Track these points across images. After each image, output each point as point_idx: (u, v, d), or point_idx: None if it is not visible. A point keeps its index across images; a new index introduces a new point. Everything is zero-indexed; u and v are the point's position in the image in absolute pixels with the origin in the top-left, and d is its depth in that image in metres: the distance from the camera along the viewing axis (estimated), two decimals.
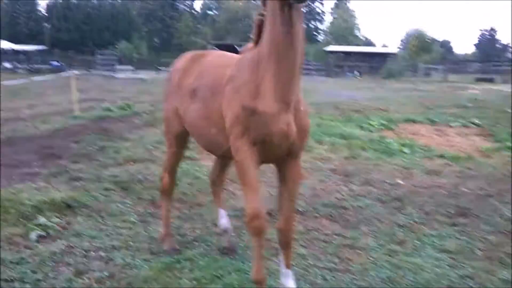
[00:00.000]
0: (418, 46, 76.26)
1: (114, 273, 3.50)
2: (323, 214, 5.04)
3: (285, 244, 3.26)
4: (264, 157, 3.03)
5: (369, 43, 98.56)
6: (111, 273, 3.51)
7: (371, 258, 3.96)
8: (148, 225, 4.48)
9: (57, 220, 4.38)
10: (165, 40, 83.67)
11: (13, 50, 52.07)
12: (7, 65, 41.32)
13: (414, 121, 12.36)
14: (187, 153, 7.43)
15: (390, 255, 4.03)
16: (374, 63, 50.44)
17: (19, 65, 42.10)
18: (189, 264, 3.68)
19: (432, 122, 12.39)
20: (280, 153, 3.04)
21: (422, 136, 10.46)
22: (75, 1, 77.12)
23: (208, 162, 7.11)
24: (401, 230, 4.68)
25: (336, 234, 4.49)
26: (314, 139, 9.16)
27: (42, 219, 4.23)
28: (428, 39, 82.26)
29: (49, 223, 4.20)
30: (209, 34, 70.67)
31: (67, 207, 4.71)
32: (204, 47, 71.02)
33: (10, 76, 28.97)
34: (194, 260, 3.73)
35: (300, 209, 5.10)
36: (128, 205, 5.01)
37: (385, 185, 6.28)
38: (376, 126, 10.86)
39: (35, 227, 4.12)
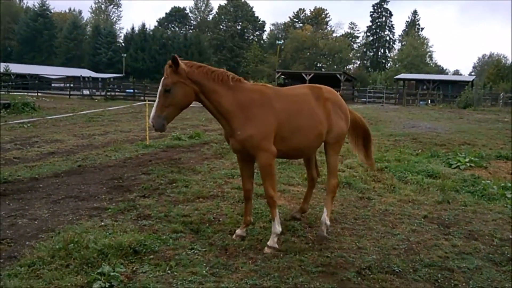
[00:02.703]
0: (496, 73, 71.74)
1: None
2: (425, 277, 4.20)
3: None
4: None
5: (440, 70, 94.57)
6: None
7: None
8: (221, 280, 3.90)
9: (123, 268, 3.94)
10: (233, 68, 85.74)
11: (92, 77, 55.84)
12: (85, 91, 44.09)
13: (507, 158, 10.97)
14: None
15: None
16: (448, 91, 47.67)
17: (96, 92, 44.66)
18: None
19: None
20: None
21: None
22: (151, 33, 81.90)
23: (282, 201, 6.51)
24: None
25: None
26: (396, 178, 8.28)
27: (106, 268, 3.80)
28: (506, 66, 77.35)
29: (113, 273, 3.76)
30: (276, 63, 71.21)
31: (133, 253, 4.28)
32: (270, 75, 71.83)
33: (87, 102, 30.78)
34: None
35: (396, 269, 4.31)
36: (198, 253, 4.49)
37: (494, 240, 5.28)
38: (465, 163, 9.68)
39: (98, 277, 3.69)
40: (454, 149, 11.71)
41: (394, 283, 4.04)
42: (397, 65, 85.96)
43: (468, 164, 9.59)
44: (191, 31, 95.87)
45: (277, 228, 4.73)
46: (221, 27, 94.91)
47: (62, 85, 51.42)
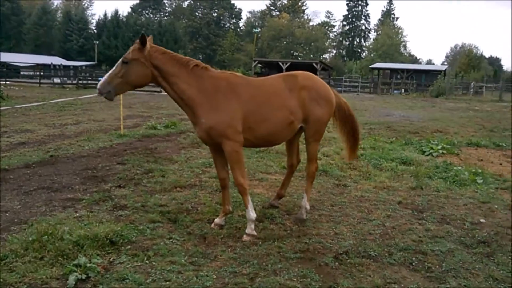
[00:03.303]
0: (467, 63, 73.53)
1: None
2: (400, 261, 4.29)
3: None
4: None
5: (414, 60, 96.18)
6: None
7: None
8: (200, 269, 3.89)
9: (99, 259, 3.87)
10: (209, 57, 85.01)
11: (63, 65, 54.27)
12: (56, 80, 42.85)
13: (478, 145, 11.30)
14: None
15: None
16: (422, 80, 48.59)
17: (68, 80, 43.49)
18: None
19: (498, 146, 11.28)
20: None
21: (491, 163, 9.43)
22: (124, 19, 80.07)
23: (260, 190, 6.53)
24: (500, 286, 3.86)
25: None
26: (372, 165, 8.41)
27: (82, 259, 3.72)
28: (477, 56, 79.39)
29: (90, 264, 3.69)
30: (253, 51, 70.91)
31: (110, 243, 4.21)
32: (247, 64, 71.51)
33: (58, 91, 29.96)
34: None
35: (372, 253, 4.39)
36: (177, 242, 4.45)
37: (465, 224, 5.44)
38: (438, 150, 9.91)
39: (74, 269, 3.62)
40: (427, 137, 11.98)
41: (370, 267, 4.11)
42: (372, 55, 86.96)
43: (440, 151, 9.82)
44: (165, 18, 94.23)
45: (252, 214, 4.73)
46: (197, 14, 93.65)
47: (31, 73, 49.88)
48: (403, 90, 44.91)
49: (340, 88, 45.18)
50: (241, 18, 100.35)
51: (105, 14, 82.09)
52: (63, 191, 6.10)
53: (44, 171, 7.18)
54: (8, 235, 4.40)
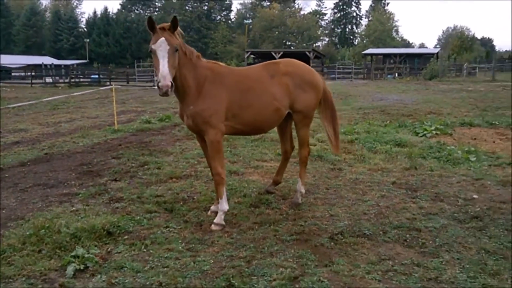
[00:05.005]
0: (460, 45, 73.53)
1: None
2: (394, 238, 4.36)
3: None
4: None
5: (406, 44, 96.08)
6: None
7: None
8: (197, 255, 3.93)
9: (97, 250, 3.91)
10: (201, 50, 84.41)
11: (54, 65, 53.88)
12: (48, 79, 42.56)
13: (471, 125, 11.38)
14: (234, 168, 6.95)
15: None
16: (414, 64, 48.60)
17: (59, 79, 43.21)
18: None
19: (491, 125, 11.37)
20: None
21: (485, 141, 9.50)
22: (114, 16, 79.50)
23: (256, 177, 6.57)
24: (492, 258, 3.93)
25: (415, 264, 3.80)
26: (366, 148, 8.46)
27: (80, 250, 3.76)
28: (469, 38, 79.37)
29: (87, 255, 3.73)
30: (245, 43, 70.62)
31: (107, 234, 4.25)
32: (239, 55, 71.23)
33: (51, 90, 29.79)
34: None
35: (366, 232, 4.45)
36: (174, 230, 4.50)
37: (458, 200, 5.51)
38: (431, 131, 9.98)
39: (72, 260, 3.66)
40: (421, 119, 12.04)
41: (365, 245, 4.17)
42: (364, 41, 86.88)
43: (434, 132, 9.89)
44: (156, 13, 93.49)
45: (225, 206, 4.75)
46: (187, 8, 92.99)
47: (23, 74, 49.42)
48: (396, 74, 44.94)
49: (334, 75, 45.12)
50: (232, 10, 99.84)
51: (95, 12, 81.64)
52: (59, 187, 6.12)
53: (39, 169, 7.19)
54: (5, 231, 4.43)
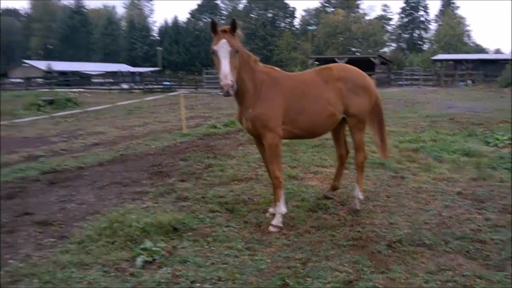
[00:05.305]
0: None
1: None
2: (456, 249, 4.25)
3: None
4: None
5: (480, 49, 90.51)
6: None
7: None
8: (255, 254, 4.12)
9: (164, 244, 4.24)
10: (266, 57, 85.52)
11: (130, 72, 57.26)
12: (124, 86, 45.30)
13: None
14: (293, 172, 7.09)
15: None
16: (488, 71, 45.63)
17: (134, 86, 45.81)
18: None
19: None
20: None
21: None
22: (183, 25, 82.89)
23: (315, 182, 6.66)
24: None
25: (477, 277, 3.70)
26: (432, 157, 8.22)
27: (148, 243, 4.11)
28: None
29: (155, 248, 4.06)
30: (309, 49, 70.54)
31: (173, 230, 4.58)
32: (304, 62, 71.22)
33: (126, 96, 31.70)
34: None
35: (427, 241, 4.39)
36: (234, 229, 4.74)
37: None
38: (504, 141, 9.45)
39: (142, 252, 4.00)
40: (492, 128, 11.41)
41: (424, 254, 4.12)
42: (434, 46, 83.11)
43: (506, 142, 9.35)
44: (222, 21, 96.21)
45: (282, 209, 4.86)
46: (252, 15, 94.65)
47: (101, 80, 53.07)
48: (468, 81, 42.46)
49: (401, 82, 43.65)
50: (296, 17, 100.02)
51: (166, 21, 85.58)
52: (132, 185, 6.62)
53: (115, 168, 7.80)
54: (84, 224, 4.91)
